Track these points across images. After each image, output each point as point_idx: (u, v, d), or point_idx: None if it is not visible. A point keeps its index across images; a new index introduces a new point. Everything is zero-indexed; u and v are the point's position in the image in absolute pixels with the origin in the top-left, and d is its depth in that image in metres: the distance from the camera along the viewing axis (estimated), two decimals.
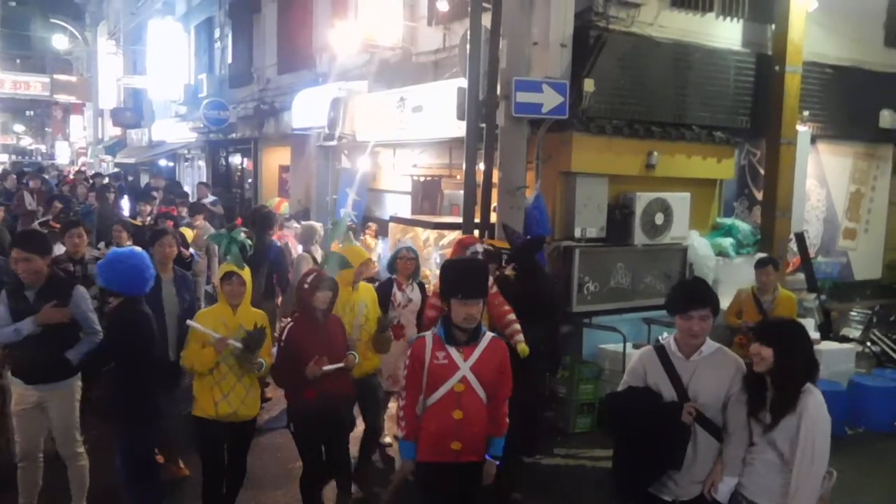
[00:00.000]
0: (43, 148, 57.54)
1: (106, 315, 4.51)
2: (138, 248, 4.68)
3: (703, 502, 3.47)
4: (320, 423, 4.43)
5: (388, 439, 6.23)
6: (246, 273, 4.46)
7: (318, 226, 8.15)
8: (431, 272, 8.14)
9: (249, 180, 17.55)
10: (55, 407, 4.53)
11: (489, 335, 3.75)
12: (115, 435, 4.45)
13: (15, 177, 15.61)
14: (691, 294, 3.51)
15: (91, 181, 16.77)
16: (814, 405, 3.20)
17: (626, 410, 3.57)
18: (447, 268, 3.89)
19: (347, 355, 4.51)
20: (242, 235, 4.69)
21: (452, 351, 3.64)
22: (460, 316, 3.57)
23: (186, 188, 18.25)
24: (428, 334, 3.75)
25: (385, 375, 5.73)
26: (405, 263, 5.86)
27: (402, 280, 5.88)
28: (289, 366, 4.36)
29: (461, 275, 3.70)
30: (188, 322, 4.35)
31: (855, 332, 9.43)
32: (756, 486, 3.34)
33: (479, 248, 5.68)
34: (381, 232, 9.86)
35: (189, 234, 8.42)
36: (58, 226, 7.88)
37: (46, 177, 19.10)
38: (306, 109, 11.76)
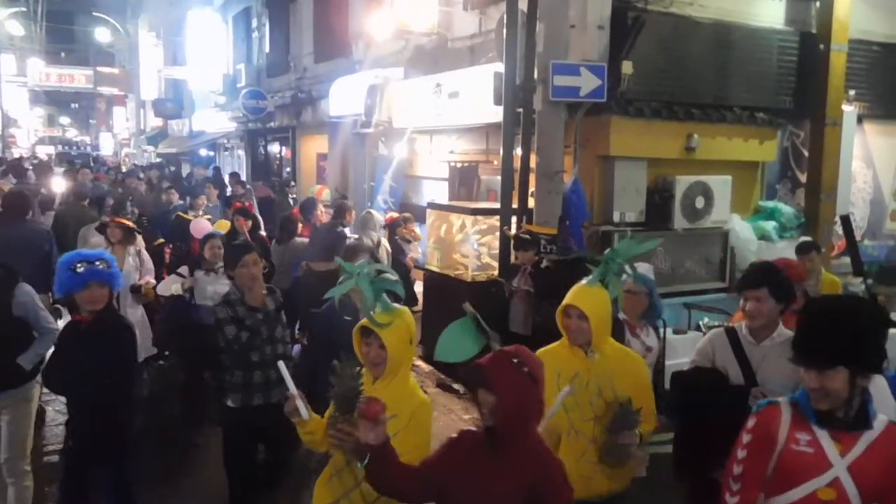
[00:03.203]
0: (88, 139, 58.83)
1: (98, 321, 3.86)
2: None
3: None
4: None
5: None
6: (393, 334, 2.76)
7: (376, 213, 8.09)
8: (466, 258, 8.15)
9: (288, 169, 17.73)
10: (7, 416, 4.21)
11: (883, 419, 2.46)
12: (110, 461, 3.95)
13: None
14: (746, 274, 3.55)
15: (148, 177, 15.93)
16: (875, 391, 3.07)
17: (693, 391, 3.53)
18: (803, 311, 2.58)
19: None
20: (387, 275, 2.87)
21: (823, 437, 2.43)
22: (808, 385, 2.43)
23: (225, 178, 18.51)
24: (784, 402, 2.54)
25: None
26: (634, 300, 4.29)
27: (634, 321, 4.31)
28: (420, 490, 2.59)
29: (811, 324, 2.45)
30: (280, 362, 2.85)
31: None
32: None
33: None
34: (418, 218, 9.89)
35: (224, 224, 8.14)
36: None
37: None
38: (343, 97, 11.82)
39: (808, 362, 2.40)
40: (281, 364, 2.81)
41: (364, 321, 2.79)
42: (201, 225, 7.92)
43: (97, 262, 3.83)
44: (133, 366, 4.06)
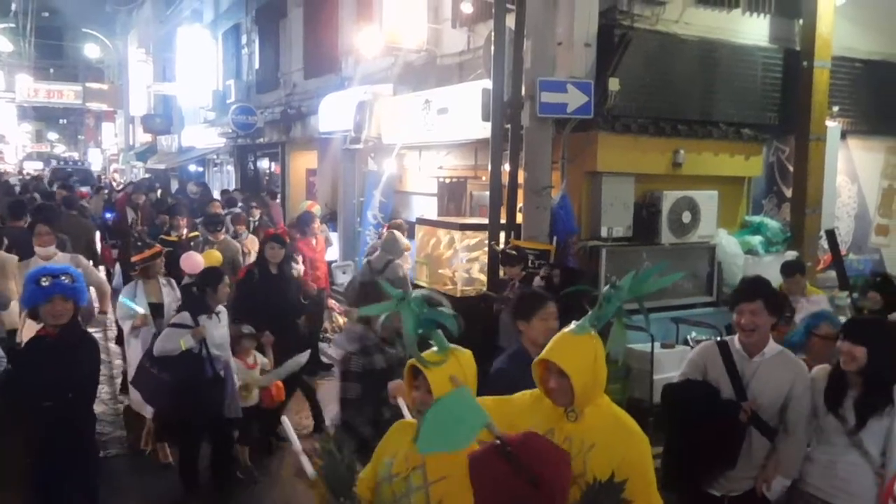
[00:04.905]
0: (76, 155, 58.60)
1: (63, 335, 3.81)
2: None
3: (752, 498, 3.47)
4: None
5: None
6: (443, 377, 2.28)
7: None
8: (455, 274, 8.17)
9: (277, 184, 17.72)
10: None
11: None
12: (76, 473, 3.95)
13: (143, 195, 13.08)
14: (741, 288, 3.59)
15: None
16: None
17: (684, 403, 3.55)
18: None
19: None
20: (443, 309, 2.46)
21: None
22: None
23: (215, 193, 18.47)
24: None
25: None
26: (828, 345, 3.73)
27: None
28: None
29: None
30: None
31: None
32: (838, 490, 3.30)
33: None
34: (408, 234, 9.89)
35: (215, 257, 7.06)
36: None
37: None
38: (332, 113, 11.85)
39: None
40: (284, 419, 2.48)
41: (412, 360, 2.32)
42: (193, 260, 6.61)
43: (62, 277, 3.85)
44: (97, 380, 4.05)
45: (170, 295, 5.93)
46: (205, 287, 5.31)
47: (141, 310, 5.60)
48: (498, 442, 1.82)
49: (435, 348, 2.33)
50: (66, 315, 3.83)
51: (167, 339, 5.10)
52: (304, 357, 5.80)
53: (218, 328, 5.29)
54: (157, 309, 5.74)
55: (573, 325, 2.48)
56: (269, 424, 6.00)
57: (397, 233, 7.62)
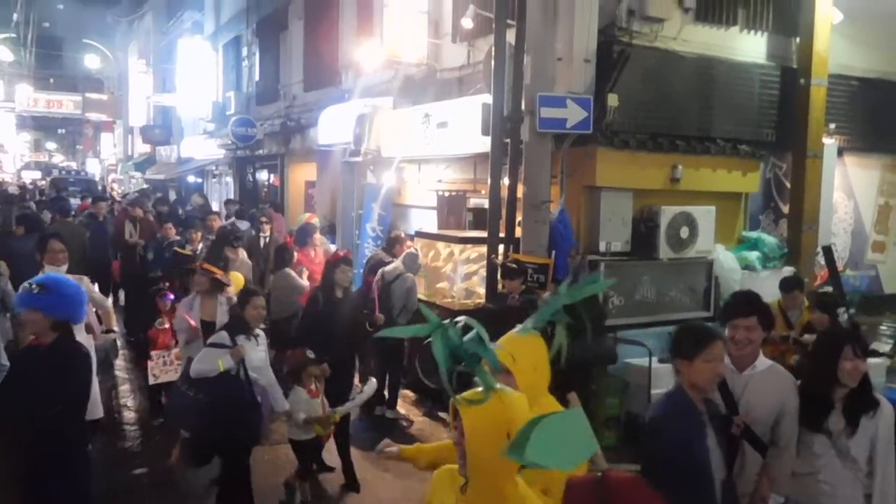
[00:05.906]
0: (74, 165, 58.60)
1: (47, 349, 3.70)
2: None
3: None
4: None
5: None
6: (479, 419, 2.04)
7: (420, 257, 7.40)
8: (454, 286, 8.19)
9: (276, 196, 17.76)
10: None
11: None
12: (74, 486, 3.87)
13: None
14: (736, 303, 3.60)
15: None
16: (887, 404, 3.27)
17: None
18: None
19: None
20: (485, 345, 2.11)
21: None
22: None
23: (214, 205, 18.50)
24: None
25: None
26: None
27: None
28: None
29: None
30: None
31: (885, 347, 9.27)
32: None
33: None
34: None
35: (238, 279, 6.65)
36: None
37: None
38: (332, 126, 11.90)
39: None
40: None
41: (458, 398, 2.07)
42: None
43: (33, 287, 3.75)
44: (88, 391, 3.97)
45: (222, 313, 5.73)
46: (235, 307, 5.18)
47: (193, 322, 5.57)
48: (599, 476, 1.70)
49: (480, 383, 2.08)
50: (36, 326, 3.74)
51: (204, 359, 4.84)
52: (373, 385, 5.74)
53: (255, 350, 5.06)
54: (208, 327, 5.52)
55: (518, 327, 2.60)
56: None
57: (418, 252, 7.71)
